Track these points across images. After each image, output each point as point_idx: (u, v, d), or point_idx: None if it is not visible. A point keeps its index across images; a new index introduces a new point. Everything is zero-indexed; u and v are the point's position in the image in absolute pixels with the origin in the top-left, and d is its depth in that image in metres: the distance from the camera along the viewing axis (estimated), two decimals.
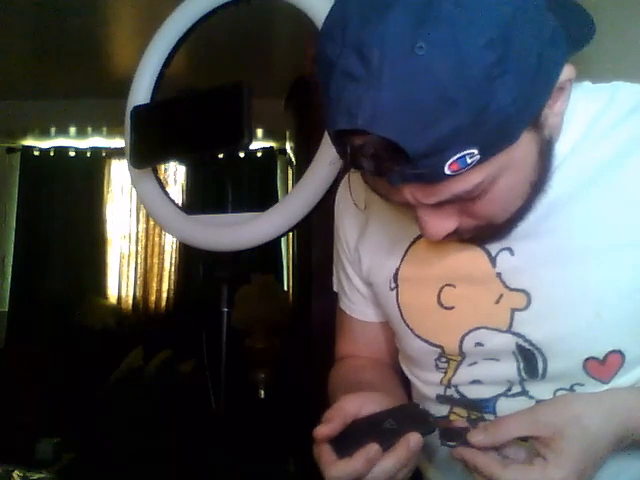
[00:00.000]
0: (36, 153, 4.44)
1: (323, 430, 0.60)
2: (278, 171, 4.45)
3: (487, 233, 0.63)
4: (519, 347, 0.66)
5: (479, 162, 0.51)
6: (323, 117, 0.54)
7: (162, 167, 3.99)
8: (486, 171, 0.53)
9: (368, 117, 0.48)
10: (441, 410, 0.76)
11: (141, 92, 1.24)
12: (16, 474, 1.37)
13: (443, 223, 0.59)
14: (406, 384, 0.82)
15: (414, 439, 0.60)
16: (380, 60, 0.47)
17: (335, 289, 0.90)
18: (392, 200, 0.59)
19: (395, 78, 0.47)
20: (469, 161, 0.50)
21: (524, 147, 0.54)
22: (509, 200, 0.59)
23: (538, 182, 0.59)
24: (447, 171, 0.50)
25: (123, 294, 4.47)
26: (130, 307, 4.44)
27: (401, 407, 0.65)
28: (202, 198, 4.26)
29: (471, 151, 0.49)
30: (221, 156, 1.14)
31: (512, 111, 0.49)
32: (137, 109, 1.13)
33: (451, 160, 0.50)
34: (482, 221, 0.60)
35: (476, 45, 0.46)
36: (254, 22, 2.52)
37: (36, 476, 1.40)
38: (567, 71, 0.55)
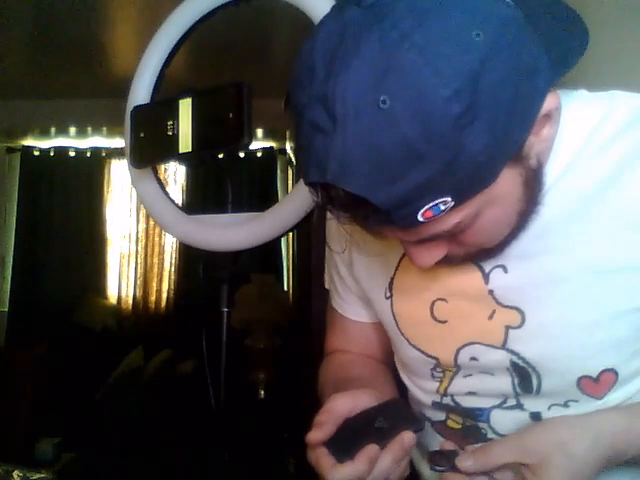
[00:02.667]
0: (36, 153, 4.45)
1: (317, 435, 0.60)
2: (278, 171, 4.46)
3: (478, 256, 0.63)
4: (513, 364, 0.66)
5: (455, 207, 0.50)
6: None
7: (162, 167, 3.99)
8: (464, 212, 0.52)
9: (336, 172, 0.48)
10: (438, 415, 0.76)
11: (141, 92, 1.24)
12: (16, 474, 1.37)
13: (431, 254, 0.59)
14: (402, 388, 0.82)
15: (408, 437, 0.60)
16: (344, 114, 0.46)
17: (327, 286, 0.89)
18: (373, 236, 0.59)
19: (360, 133, 0.46)
20: (443, 208, 0.49)
21: (505, 183, 0.52)
22: (496, 230, 0.58)
23: (527, 209, 0.58)
24: (420, 219, 0.50)
25: (123, 294, 4.48)
26: (130, 307, 4.45)
27: (389, 404, 0.65)
28: (202, 198, 4.27)
29: (444, 199, 0.49)
30: (221, 156, 1.14)
31: (484, 158, 0.47)
32: (137, 109, 1.13)
33: (423, 209, 0.49)
34: (471, 249, 0.60)
35: (441, 98, 0.44)
36: (254, 22, 2.52)
37: (36, 476, 1.40)
38: (550, 101, 0.52)
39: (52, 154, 4.46)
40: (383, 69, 0.45)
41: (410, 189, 0.47)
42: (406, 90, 0.45)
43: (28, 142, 4.47)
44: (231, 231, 1.16)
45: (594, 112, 0.62)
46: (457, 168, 0.47)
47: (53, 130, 4.37)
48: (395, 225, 0.51)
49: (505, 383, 0.68)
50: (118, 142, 4.31)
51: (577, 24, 0.58)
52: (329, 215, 0.54)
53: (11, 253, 4.37)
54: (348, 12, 0.49)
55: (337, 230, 0.78)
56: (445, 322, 0.70)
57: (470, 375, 0.70)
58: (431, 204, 0.49)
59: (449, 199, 0.49)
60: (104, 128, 4.29)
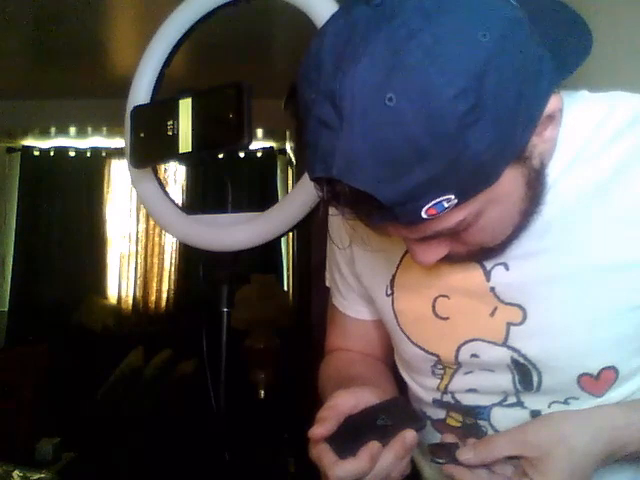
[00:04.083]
0: (36, 153, 4.44)
1: (319, 431, 0.61)
2: (278, 171, 4.46)
3: (480, 255, 0.63)
4: (514, 361, 0.67)
5: (458, 204, 0.51)
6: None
7: (162, 167, 3.99)
8: (467, 210, 0.53)
9: (342, 167, 0.48)
10: (438, 413, 0.76)
11: (141, 92, 1.24)
12: (16, 474, 1.38)
13: (433, 251, 0.59)
14: (402, 386, 0.82)
15: (410, 435, 0.61)
16: (351, 111, 0.47)
17: (328, 284, 0.89)
18: (376, 233, 0.59)
19: (366, 129, 0.47)
20: (446, 205, 0.50)
21: (508, 182, 0.53)
22: (498, 229, 0.59)
23: (529, 209, 0.59)
24: (424, 215, 0.50)
25: (123, 294, 4.47)
26: (130, 307, 4.44)
27: (391, 402, 0.66)
28: (202, 198, 4.27)
29: (448, 197, 0.49)
30: (221, 156, 1.14)
31: (487, 157, 0.48)
32: (137, 109, 1.13)
33: (427, 206, 0.49)
34: (473, 247, 0.60)
35: (446, 96, 0.45)
36: (254, 22, 2.52)
37: (36, 476, 1.40)
38: (553, 102, 0.53)
39: (52, 154, 4.45)
40: (390, 67, 0.46)
41: (414, 186, 0.48)
42: (412, 88, 0.46)
43: (28, 142, 4.47)
44: (231, 231, 1.16)
45: (595, 112, 0.62)
46: (461, 166, 0.47)
47: (53, 130, 4.37)
48: (399, 222, 0.52)
49: (505, 380, 0.68)
50: (118, 142, 4.31)
51: (581, 27, 0.58)
52: (332, 212, 0.54)
53: (11, 253, 4.36)
54: (357, 10, 0.49)
55: (339, 227, 0.79)
56: (447, 319, 0.70)
57: (471, 372, 0.71)
58: (435, 201, 0.49)
59: (453, 197, 0.49)
60: (104, 128, 4.29)
